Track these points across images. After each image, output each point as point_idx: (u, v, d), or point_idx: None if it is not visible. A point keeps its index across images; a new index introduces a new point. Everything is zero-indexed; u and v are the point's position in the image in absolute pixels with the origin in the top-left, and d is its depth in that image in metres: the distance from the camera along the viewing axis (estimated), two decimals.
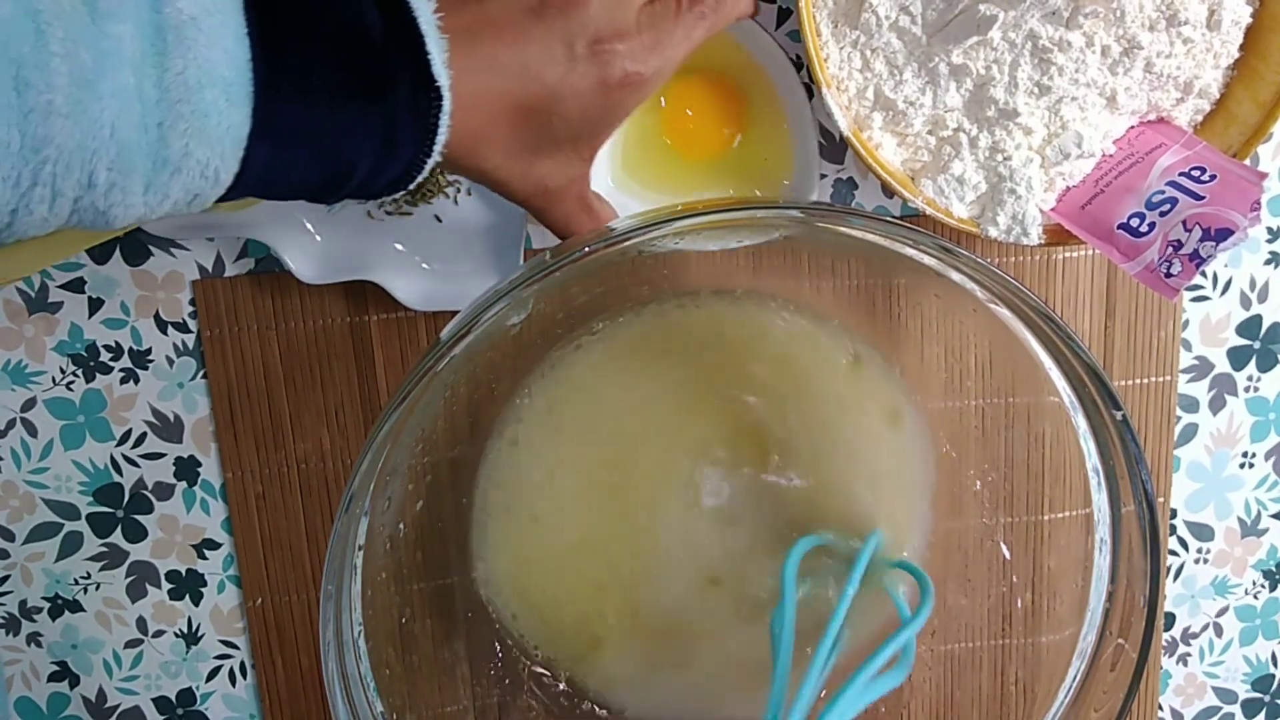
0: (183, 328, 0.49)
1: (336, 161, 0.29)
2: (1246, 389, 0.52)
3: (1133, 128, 0.44)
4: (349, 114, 0.28)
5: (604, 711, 0.47)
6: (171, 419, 0.49)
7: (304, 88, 0.27)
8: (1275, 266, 0.50)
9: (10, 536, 0.50)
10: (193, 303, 0.48)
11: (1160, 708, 0.55)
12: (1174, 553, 0.53)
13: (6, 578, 0.51)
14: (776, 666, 0.38)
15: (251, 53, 0.26)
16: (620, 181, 0.46)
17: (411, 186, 0.31)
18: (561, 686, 0.46)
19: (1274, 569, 0.54)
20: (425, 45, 0.28)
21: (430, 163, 0.30)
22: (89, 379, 0.49)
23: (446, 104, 0.29)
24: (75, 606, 0.51)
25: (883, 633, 0.39)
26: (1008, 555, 0.46)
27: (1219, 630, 0.55)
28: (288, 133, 0.27)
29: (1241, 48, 0.42)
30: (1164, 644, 0.54)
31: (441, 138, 0.30)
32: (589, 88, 0.32)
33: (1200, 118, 0.44)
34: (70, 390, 0.49)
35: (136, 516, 0.50)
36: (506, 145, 0.32)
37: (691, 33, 0.35)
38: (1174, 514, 0.53)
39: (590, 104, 0.33)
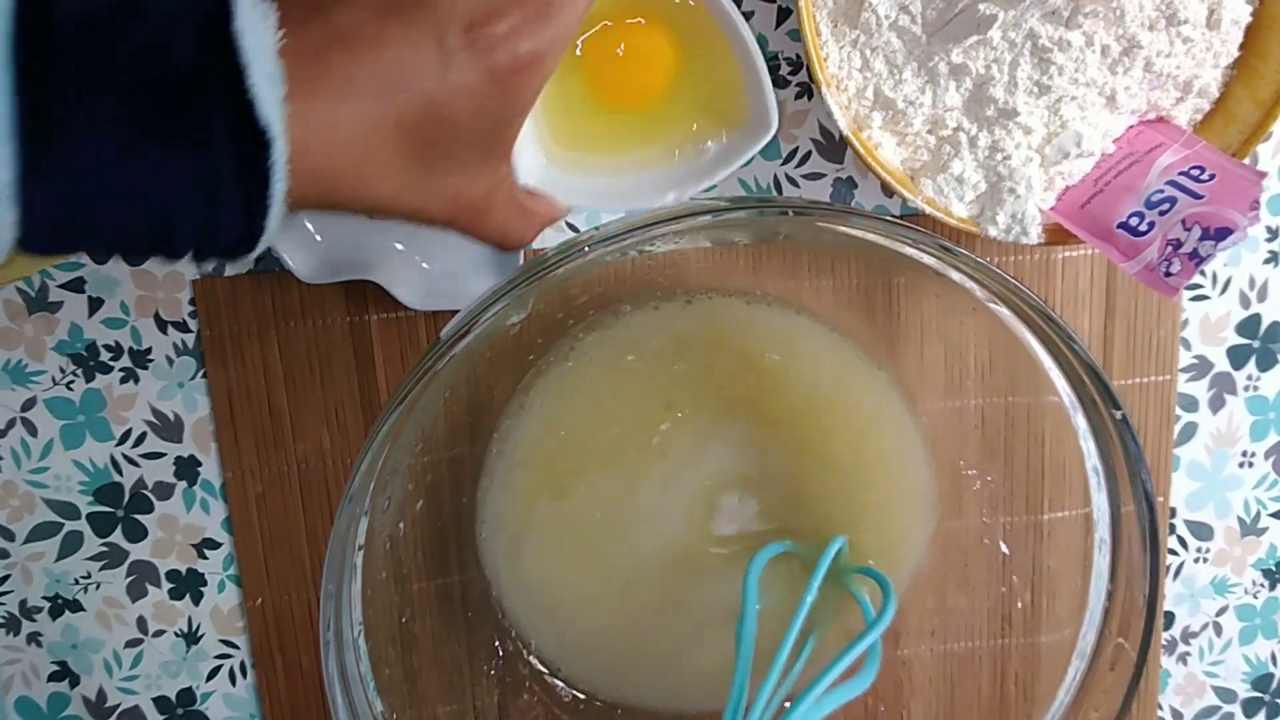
0: (183, 327, 0.49)
1: (151, 216, 0.25)
2: (1246, 388, 0.52)
3: (1132, 127, 0.44)
4: (153, 160, 0.24)
5: (602, 710, 0.47)
6: (171, 418, 0.49)
7: (90, 128, 0.23)
8: (1275, 265, 0.50)
9: (10, 536, 0.50)
10: (193, 302, 0.48)
11: (1160, 707, 0.55)
12: (1173, 552, 0.53)
13: (6, 577, 0.51)
14: (736, 673, 0.37)
15: (14, 85, 0.22)
16: (555, 156, 0.42)
17: (263, 247, 0.26)
18: (562, 688, 0.47)
19: (1273, 568, 0.54)
20: (246, 79, 0.24)
21: (272, 217, 0.26)
22: (89, 379, 0.49)
23: (280, 147, 0.25)
24: (75, 606, 0.51)
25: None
26: (1007, 554, 0.46)
27: (1219, 629, 0.54)
28: (73, 180, 0.23)
29: (1241, 47, 0.42)
30: (1164, 643, 0.54)
31: (279, 187, 0.25)
32: (476, 82, 0.28)
33: (1200, 117, 0.44)
34: (70, 390, 0.49)
35: (136, 516, 0.50)
36: (400, 173, 0.28)
37: None
38: (1173, 513, 0.53)
39: (485, 100, 0.28)
